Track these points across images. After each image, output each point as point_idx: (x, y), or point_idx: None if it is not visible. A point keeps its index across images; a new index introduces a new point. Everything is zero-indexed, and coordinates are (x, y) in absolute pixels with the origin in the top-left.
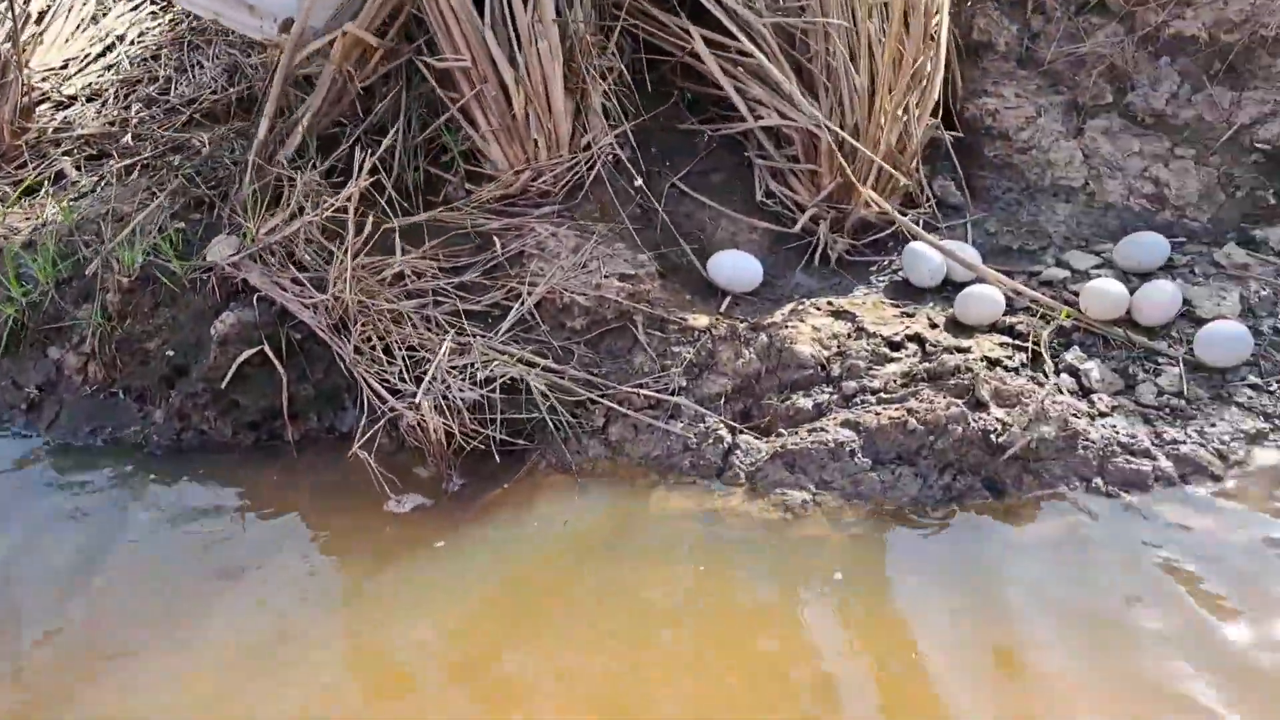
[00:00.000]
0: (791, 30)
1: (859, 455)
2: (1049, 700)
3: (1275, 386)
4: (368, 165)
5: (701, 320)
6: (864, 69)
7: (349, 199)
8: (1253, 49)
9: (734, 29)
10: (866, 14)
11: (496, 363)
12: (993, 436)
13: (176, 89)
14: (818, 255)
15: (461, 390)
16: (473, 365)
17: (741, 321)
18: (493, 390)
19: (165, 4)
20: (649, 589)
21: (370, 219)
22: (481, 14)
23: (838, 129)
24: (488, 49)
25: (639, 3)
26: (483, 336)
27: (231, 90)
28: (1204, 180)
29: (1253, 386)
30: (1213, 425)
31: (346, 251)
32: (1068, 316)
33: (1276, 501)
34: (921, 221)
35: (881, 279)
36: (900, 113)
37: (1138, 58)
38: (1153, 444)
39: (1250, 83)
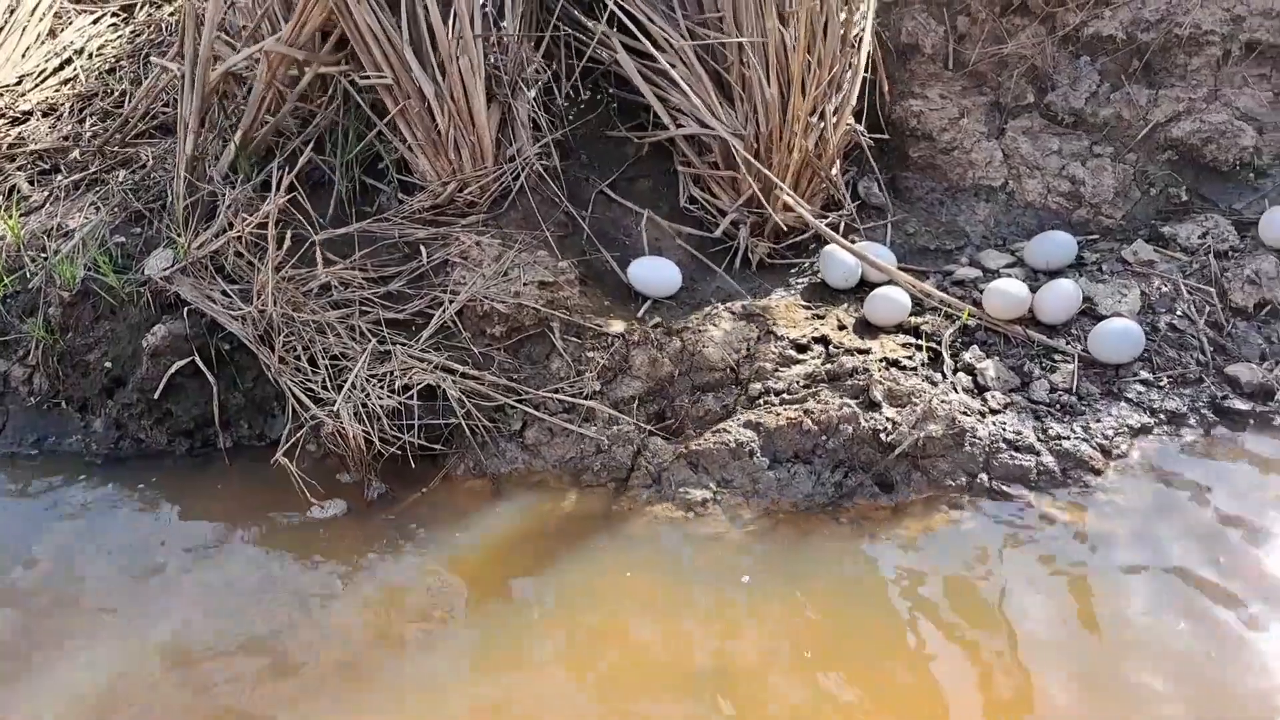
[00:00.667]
0: (707, 39)
1: (758, 455)
2: (931, 693)
3: (1165, 382)
4: (285, 181)
5: (618, 326)
6: (774, 77)
7: (267, 215)
8: (1169, 48)
9: (654, 39)
10: (778, 22)
11: (416, 370)
12: (883, 435)
13: (131, 102)
14: (739, 259)
15: (380, 398)
16: (392, 373)
17: (657, 326)
18: (410, 397)
19: (125, 17)
20: (553, 586)
21: (290, 233)
22: (403, 30)
23: (751, 137)
24: (408, 66)
25: (569, 10)
26: (404, 345)
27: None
28: (1119, 178)
29: (1144, 382)
30: (1099, 421)
31: (268, 265)
32: (970, 316)
33: (1153, 494)
34: (843, 224)
35: (800, 281)
36: (816, 118)
37: (1058, 58)
38: (1038, 440)
39: (1166, 81)
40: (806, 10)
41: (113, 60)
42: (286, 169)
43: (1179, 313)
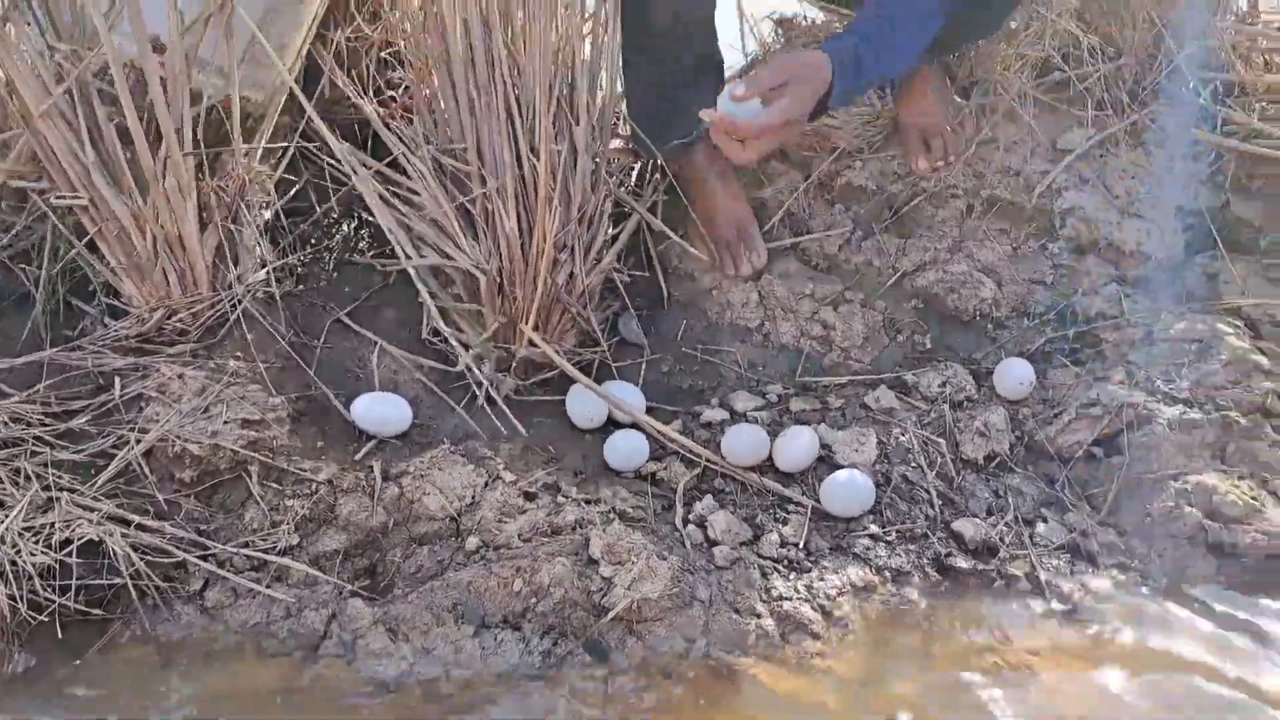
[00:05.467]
0: (453, 170)
1: (463, 619)
2: None
3: (894, 536)
4: None
5: (328, 470)
6: (514, 212)
7: None
8: (917, 200)
9: (400, 166)
10: (530, 155)
11: (81, 522)
12: (596, 596)
13: None
14: (482, 396)
15: (34, 554)
16: (52, 525)
17: (372, 470)
18: (69, 553)
19: None
20: None
21: None
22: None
23: (495, 272)
24: (99, 189)
25: (313, 127)
26: (72, 492)
27: None
28: (869, 324)
29: (872, 536)
30: (823, 579)
31: None
32: (709, 462)
33: (867, 663)
34: (597, 361)
35: (546, 420)
36: (566, 254)
37: (814, 205)
38: (761, 600)
39: (915, 231)
40: (546, 152)
41: None
42: None
43: (912, 464)
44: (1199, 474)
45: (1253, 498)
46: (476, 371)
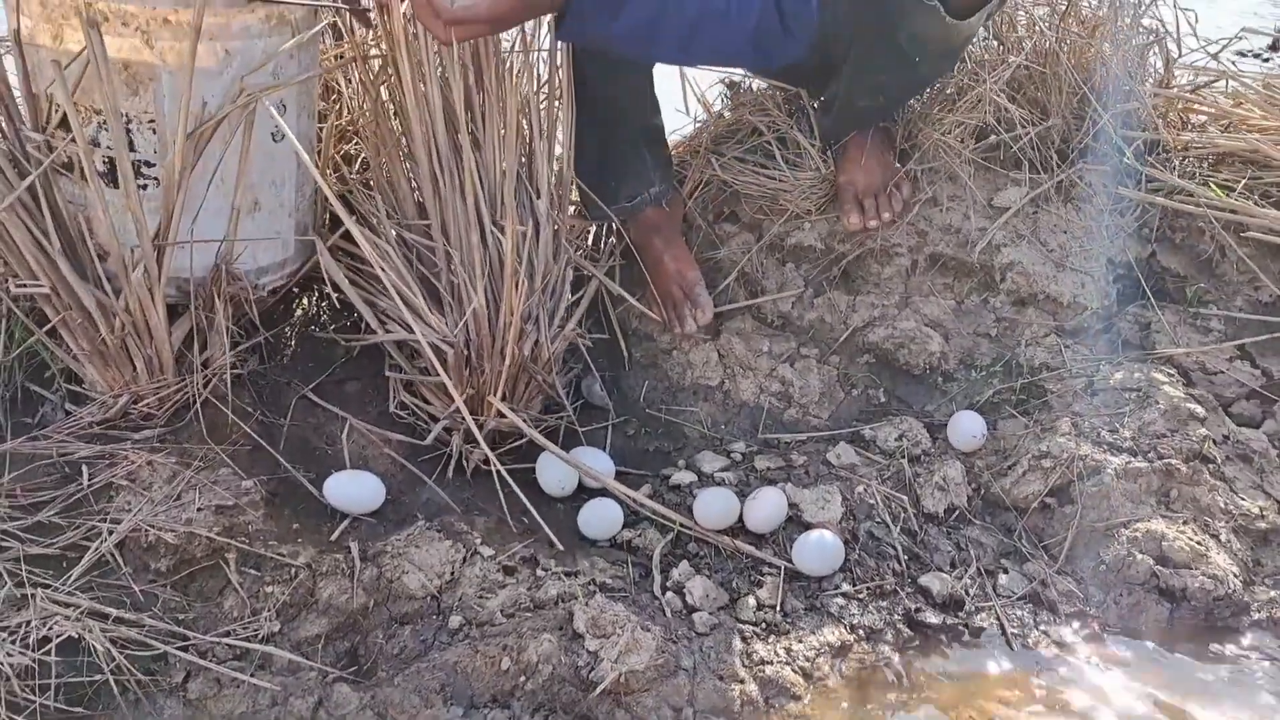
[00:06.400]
0: (417, 245)
1: (452, 700)
2: None
3: (865, 594)
4: None
5: (306, 553)
6: (481, 287)
7: None
8: (863, 258)
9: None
10: (482, 236)
11: (58, 618)
12: (584, 671)
13: None
14: (452, 467)
15: (11, 654)
16: (28, 623)
17: (349, 552)
18: (49, 652)
19: None
20: None
21: None
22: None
23: (461, 345)
24: (64, 276)
25: None
26: (47, 588)
27: None
28: (824, 379)
29: (845, 595)
30: (800, 641)
31: None
32: (681, 527)
33: (854, 718)
34: (563, 427)
35: (519, 487)
36: (531, 324)
37: (767, 264)
38: (743, 665)
39: (863, 288)
40: (513, 230)
41: None
42: None
43: (877, 519)
44: (1147, 521)
45: (1197, 543)
46: (454, 443)
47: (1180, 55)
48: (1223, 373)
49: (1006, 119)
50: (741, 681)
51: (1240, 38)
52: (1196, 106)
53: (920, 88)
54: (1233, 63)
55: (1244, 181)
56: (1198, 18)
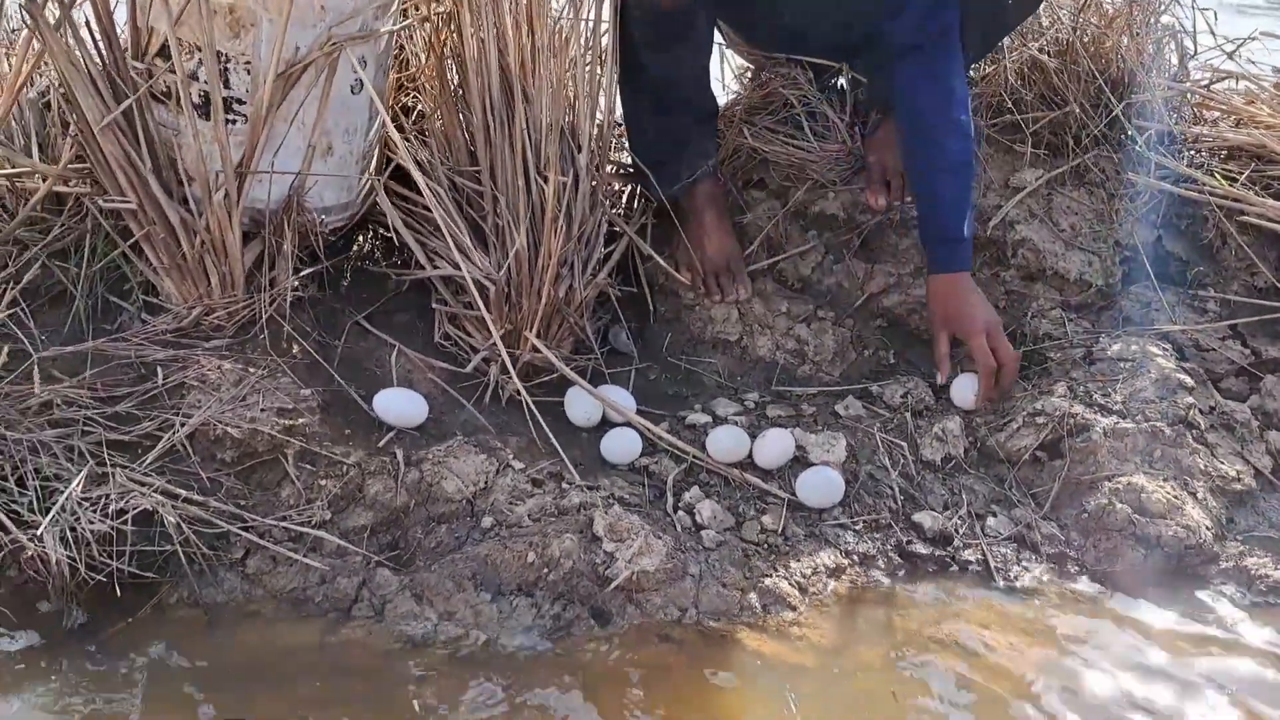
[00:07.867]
0: (467, 190)
1: (482, 587)
2: None
3: (861, 526)
4: (9, 296)
5: (356, 455)
6: (523, 231)
7: None
8: (883, 228)
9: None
10: (526, 184)
11: (134, 494)
12: (600, 568)
13: None
14: (489, 395)
15: (92, 522)
16: (108, 496)
17: (394, 456)
18: (125, 522)
19: None
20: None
21: (6, 348)
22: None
23: (503, 283)
24: (153, 194)
25: None
26: (125, 468)
27: None
28: (838, 340)
29: (841, 526)
30: (799, 560)
31: None
32: (695, 459)
33: (843, 630)
34: (590, 366)
35: (547, 418)
36: (566, 269)
37: (790, 230)
38: (744, 576)
39: (880, 257)
40: (555, 177)
41: None
42: (12, 283)
43: (878, 463)
44: (1129, 476)
45: (1174, 497)
46: (491, 373)
47: (1196, 53)
48: (1214, 350)
49: (1024, 102)
50: (742, 590)
51: (1253, 38)
52: (1210, 102)
53: (1008, 29)
54: (1252, 62)
55: (1247, 173)
56: (1216, 17)
